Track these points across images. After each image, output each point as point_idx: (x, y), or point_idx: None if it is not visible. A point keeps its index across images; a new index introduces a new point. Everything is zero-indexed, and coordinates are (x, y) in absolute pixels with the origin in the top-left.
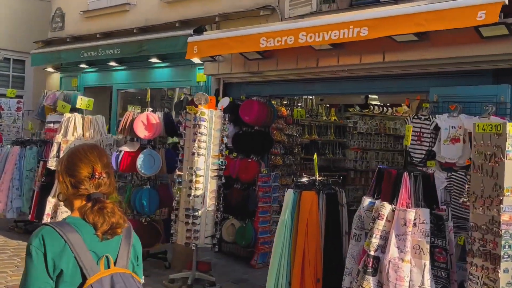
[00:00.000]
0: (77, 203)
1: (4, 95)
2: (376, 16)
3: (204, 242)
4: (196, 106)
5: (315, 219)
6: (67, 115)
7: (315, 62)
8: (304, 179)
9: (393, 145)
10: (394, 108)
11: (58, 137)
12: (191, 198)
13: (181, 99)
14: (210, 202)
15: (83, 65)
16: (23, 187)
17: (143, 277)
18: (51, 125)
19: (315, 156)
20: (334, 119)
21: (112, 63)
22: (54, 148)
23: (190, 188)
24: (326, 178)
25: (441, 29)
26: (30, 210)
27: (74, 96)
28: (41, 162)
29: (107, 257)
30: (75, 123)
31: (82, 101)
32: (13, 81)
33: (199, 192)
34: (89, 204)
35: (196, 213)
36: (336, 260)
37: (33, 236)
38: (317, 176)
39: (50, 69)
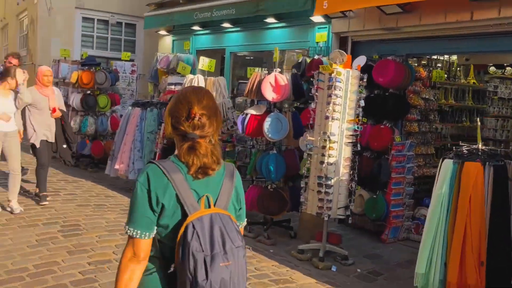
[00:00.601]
0: (178, 143)
1: (118, 59)
2: None
3: (337, 213)
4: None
5: (480, 195)
6: (190, 76)
7: (469, 15)
8: (464, 148)
9: None
10: None
11: None
12: (323, 165)
13: (299, 61)
14: (344, 171)
15: (195, 27)
16: (144, 149)
17: (245, 220)
18: (172, 86)
19: (477, 121)
20: (473, 82)
21: (226, 24)
22: None
23: (323, 155)
24: (491, 147)
25: None
26: None
27: (186, 59)
28: (162, 125)
29: (207, 196)
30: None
31: (204, 62)
32: (125, 45)
33: (332, 160)
34: (185, 144)
35: (329, 182)
36: (504, 242)
37: (140, 172)
38: (480, 145)
39: (162, 32)
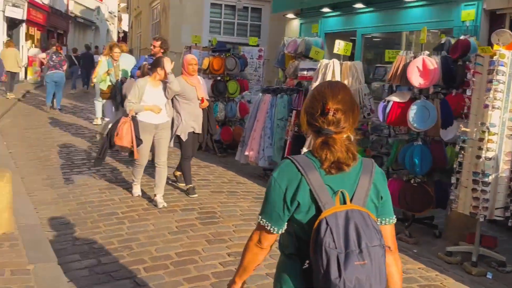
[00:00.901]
0: (313, 139)
1: (243, 44)
2: None
3: (494, 214)
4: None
5: None
6: (324, 61)
7: None
8: None
9: None
10: None
11: (315, 85)
12: (480, 160)
13: (442, 42)
14: (505, 167)
15: (325, 9)
16: (274, 136)
17: (394, 216)
18: (305, 72)
19: None
20: None
21: (358, 5)
22: None
23: (480, 148)
24: None
25: None
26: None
27: (315, 42)
28: (294, 112)
29: (342, 192)
30: (333, 70)
31: (340, 46)
32: (250, 30)
33: (491, 154)
34: (319, 139)
35: (487, 179)
36: None
37: (275, 168)
38: None
39: (289, 15)
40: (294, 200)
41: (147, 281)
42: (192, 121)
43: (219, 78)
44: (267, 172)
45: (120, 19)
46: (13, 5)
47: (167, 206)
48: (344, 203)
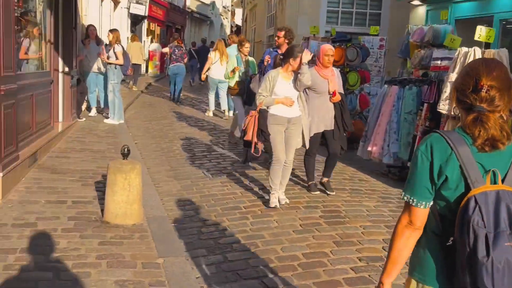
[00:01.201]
0: (463, 116)
1: (362, 34)
2: None
3: None
4: None
5: None
6: (463, 49)
7: None
8: None
9: None
10: None
11: (452, 76)
12: None
13: None
14: None
15: None
16: (400, 131)
17: None
18: (438, 62)
19: None
20: None
21: None
22: (447, 89)
23: None
24: None
25: None
26: (410, 157)
27: (444, 30)
28: (425, 104)
29: (494, 172)
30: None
31: (482, 32)
32: (369, 19)
33: None
34: (470, 116)
35: None
36: None
37: (422, 141)
38: None
39: (415, 2)
40: (441, 174)
41: (276, 283)
42: (320, 117)
43: (339, 69)
44: (391, 169)
45: (233, 13)
46: (137, 2)
47: (289, 203)
48: (495, 183)
